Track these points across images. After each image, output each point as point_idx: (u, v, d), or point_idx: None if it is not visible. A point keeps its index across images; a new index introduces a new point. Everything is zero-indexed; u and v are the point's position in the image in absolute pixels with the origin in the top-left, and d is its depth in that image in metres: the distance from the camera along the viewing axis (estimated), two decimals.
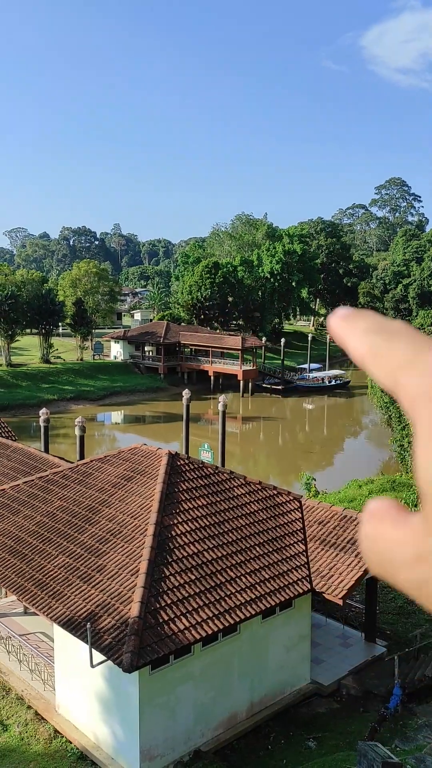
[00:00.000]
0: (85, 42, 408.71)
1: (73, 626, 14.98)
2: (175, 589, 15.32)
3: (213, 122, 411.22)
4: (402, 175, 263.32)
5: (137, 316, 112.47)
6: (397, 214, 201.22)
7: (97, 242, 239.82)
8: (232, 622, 15.48)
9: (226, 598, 15.83)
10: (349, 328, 0.60)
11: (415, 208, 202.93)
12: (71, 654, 16.41)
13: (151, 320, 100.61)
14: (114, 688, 15.38)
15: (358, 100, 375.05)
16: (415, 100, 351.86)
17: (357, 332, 0.59)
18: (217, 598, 15.70)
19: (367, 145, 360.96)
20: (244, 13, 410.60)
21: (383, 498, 0.59)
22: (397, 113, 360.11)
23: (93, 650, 14.17)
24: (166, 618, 14.61)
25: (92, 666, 14.32)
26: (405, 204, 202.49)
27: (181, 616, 14.83)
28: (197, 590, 15.57)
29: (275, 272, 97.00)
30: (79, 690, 16.48)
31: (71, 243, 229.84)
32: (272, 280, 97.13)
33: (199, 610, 15.18)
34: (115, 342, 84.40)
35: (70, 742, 16.42)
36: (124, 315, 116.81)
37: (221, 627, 15.23)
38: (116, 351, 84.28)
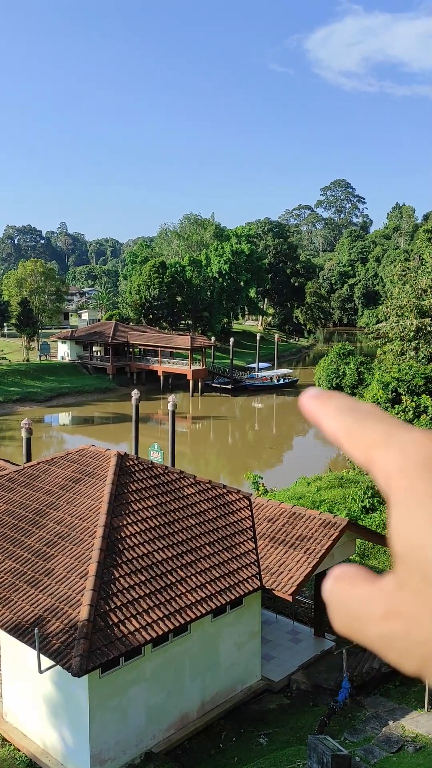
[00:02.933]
0: (23, 31, 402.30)
1: (20, 632, 14.69)
2: (125, 591, 15.19)
3: (160, 121, 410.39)
4: (347, 177, 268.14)
5: (85, 316, 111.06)
6: (342, 215, 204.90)
7: (42, 241, 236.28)
8: (182, 621, 15.44)
9: (177, 598, 15.79)
10: (322, 408, 0.64)
11: (359, 209, 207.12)
12: (19, 660, 16.09)
13: (99, 320, 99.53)
14: (63, 692, 15.16)
15: (304, 102, 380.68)
16: (360, 103, 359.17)
17: (330, 412, 0.63)
18: (168, 598, 15.65)
19: (313, 147, 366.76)
20: (190, 11, 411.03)
21: (349, 564, 0.63)
22: (343, 116, 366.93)
23: (41, 655, 13.93)
24: (116, 620, 14.47)
25: (40, 671, 14.07)
26: (350, 205, 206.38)
27: (132, 618, 14.72)
28: (147, 591, 15.48)
29: (223, 272, 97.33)
30: (28, 696, 16.18)
31: (16, 242, 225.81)
32: (220, 279, 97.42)
33: (150, 611, 15.09)
34: (63, 342, 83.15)
35: (19, 750, 16.10)
36: (72, 315, 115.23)
37: (172, 627, 15.17)
38: (63, 351, 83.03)
